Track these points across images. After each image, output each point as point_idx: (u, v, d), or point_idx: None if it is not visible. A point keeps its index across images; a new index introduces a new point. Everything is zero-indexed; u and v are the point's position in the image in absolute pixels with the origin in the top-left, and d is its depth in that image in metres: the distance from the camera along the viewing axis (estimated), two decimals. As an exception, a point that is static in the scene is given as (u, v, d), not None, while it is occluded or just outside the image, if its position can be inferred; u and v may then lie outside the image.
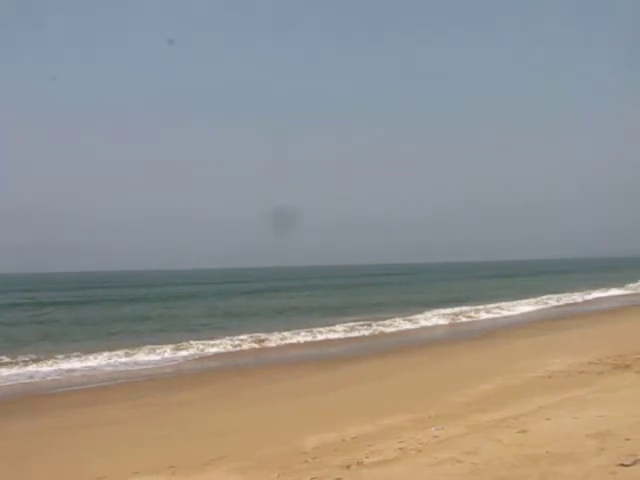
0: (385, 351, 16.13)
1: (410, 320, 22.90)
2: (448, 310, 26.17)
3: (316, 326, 20.39)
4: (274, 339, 18.11)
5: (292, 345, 17.56)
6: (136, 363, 14.88)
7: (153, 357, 15.60)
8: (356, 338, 18.78)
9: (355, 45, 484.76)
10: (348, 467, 5.52)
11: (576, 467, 4.53)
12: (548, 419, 6.45)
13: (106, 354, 15.61)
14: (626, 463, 4.41)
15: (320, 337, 18.56)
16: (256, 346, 17.21)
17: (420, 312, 25.30)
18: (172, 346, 16.76)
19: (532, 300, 30.45)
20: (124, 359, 15.31)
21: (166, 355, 15.86)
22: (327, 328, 19.86)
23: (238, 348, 16.92)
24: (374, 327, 20.88)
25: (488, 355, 14.34)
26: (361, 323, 21.68)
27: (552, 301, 30.33)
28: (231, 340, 17.82)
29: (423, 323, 22.33)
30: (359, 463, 5.60)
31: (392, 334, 19.65)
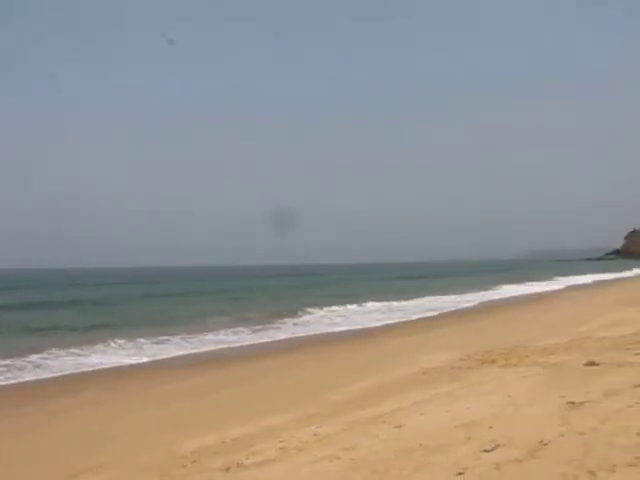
0: (270, 351, 16.15)
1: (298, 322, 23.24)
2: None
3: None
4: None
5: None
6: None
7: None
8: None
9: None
10: (228, 469, 5.47)
11: (446, 456, 4.78)
12: (422, 413, 6.74)
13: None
14: (488, 449, 4.73)
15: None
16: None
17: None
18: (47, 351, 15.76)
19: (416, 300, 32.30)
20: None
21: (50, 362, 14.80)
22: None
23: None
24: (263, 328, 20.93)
25: (367, 354, 14.77)
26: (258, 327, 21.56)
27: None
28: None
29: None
30: (239, 465, 5.56)
31: (279, 335, 19.63)
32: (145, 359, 15.12)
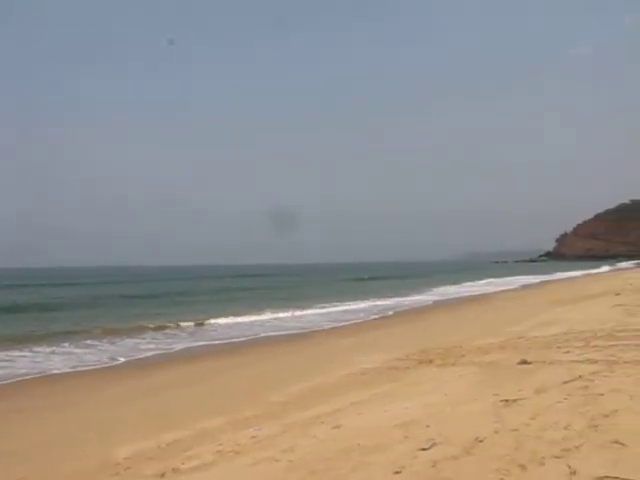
0: (204, 354, 15.90)
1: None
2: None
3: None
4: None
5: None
6: None
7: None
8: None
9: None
10: (163, 475, 5.34)
11: (384, 455, 4.81)
12: (360, 413, 6.77)
13: None
14: (425, 447, 4.79)
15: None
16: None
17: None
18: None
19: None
20: None
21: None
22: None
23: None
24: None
25: (307, 355, 14.76)
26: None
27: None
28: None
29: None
30: (175, 470, 5.44)
31: (219, 337, 19.34)
32: (72, 365, 14.58)
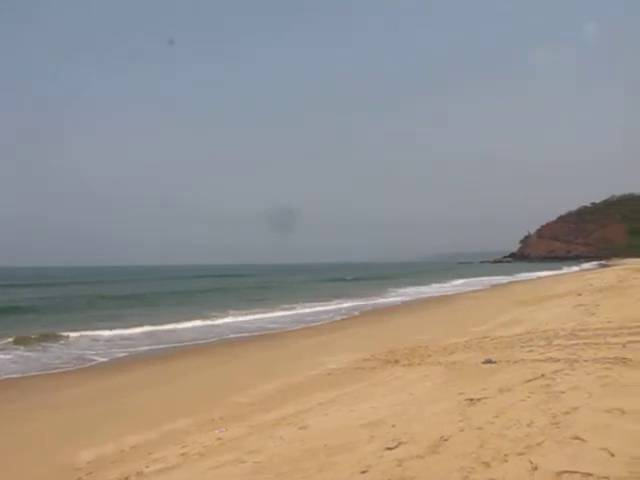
0: (167, 355, 15.69)
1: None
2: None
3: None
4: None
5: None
6: None
7: None
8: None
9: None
10: (126, 479, 5.24)
11: (350, 455, 4.82)
12: (326, 414, 6.77)
13: None
14: (391, 447, 4.82)
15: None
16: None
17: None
18: None
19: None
20: None
21: None
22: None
23: None
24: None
25: (271, 356, 14.69)
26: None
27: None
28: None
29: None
30: (139, 473, 5.35)
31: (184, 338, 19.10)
32: (31, 368, 14.23)
